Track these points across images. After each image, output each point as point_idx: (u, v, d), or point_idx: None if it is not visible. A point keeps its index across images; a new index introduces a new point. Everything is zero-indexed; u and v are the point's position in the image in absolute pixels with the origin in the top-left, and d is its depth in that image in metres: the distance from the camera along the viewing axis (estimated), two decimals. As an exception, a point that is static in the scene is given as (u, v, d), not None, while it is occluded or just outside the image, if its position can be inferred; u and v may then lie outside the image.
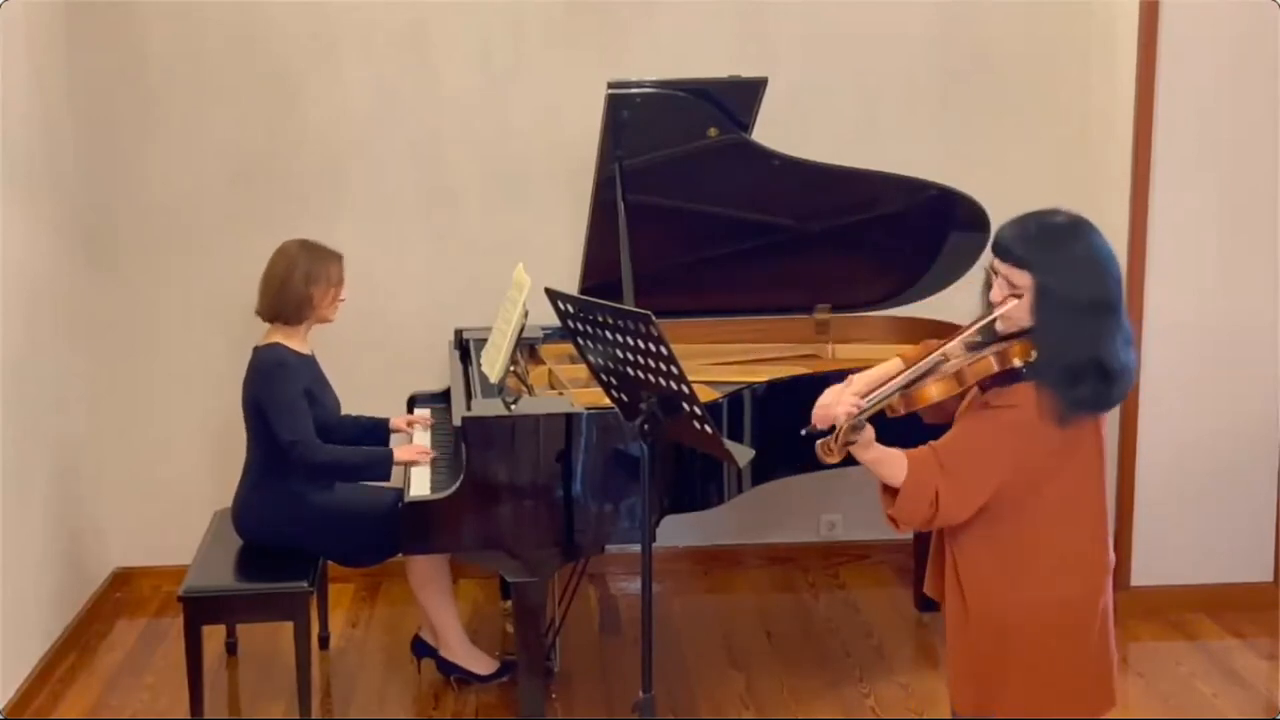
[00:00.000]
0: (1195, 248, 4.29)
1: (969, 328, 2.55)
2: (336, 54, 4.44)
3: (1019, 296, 2.45)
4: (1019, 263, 2.44)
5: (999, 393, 2.49)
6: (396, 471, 3.72)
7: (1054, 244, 2.44)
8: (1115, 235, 4.32)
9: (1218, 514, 4.41)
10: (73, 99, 4.37)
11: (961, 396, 2.58)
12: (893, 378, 2.56)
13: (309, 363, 3.81)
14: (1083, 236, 2.47)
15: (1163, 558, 4.41)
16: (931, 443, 2.53)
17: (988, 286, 2.55)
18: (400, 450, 3.73)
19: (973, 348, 2.53)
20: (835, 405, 2.47)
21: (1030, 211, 2.52)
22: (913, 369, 2.53)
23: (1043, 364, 2.44)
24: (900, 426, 2.59)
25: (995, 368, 2.47)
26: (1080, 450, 2.51)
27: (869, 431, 2.46)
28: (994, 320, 2.51)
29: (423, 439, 3.88)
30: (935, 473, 2.47)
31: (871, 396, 2.48)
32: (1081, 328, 2.42)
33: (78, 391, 4.43)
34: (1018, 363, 2.46)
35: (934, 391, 2.47)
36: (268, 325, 3.78)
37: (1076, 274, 2.43)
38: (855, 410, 2.44)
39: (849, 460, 2.53)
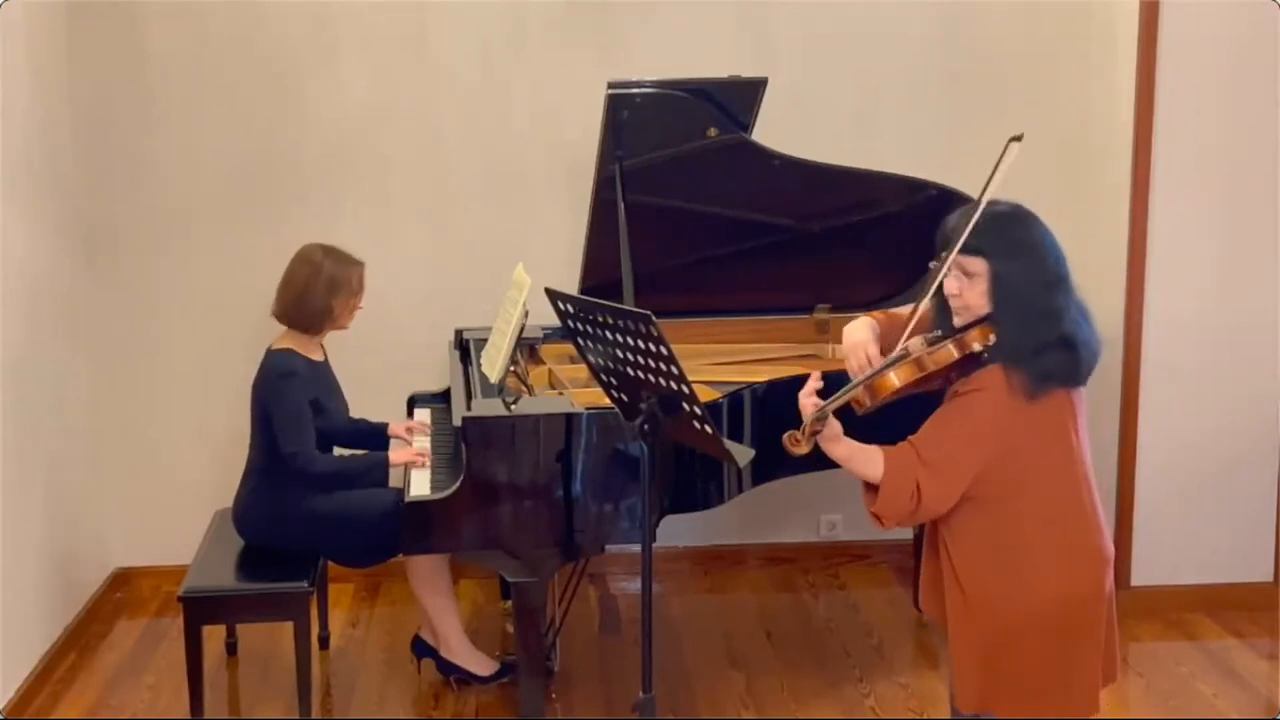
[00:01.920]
0: (1195, 248, 4.29)
1: (916, 314, 2.58)
2: (336, 54, 4.45)
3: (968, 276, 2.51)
4: (973, 251, 2.50)
5: (965, 380, 2.53)
6: (396, 471, 3.73)
7: (1003, 229, 2.51)
8: (1115, 235, 4.34)
9: (1218, 514, 4.41)
10: (73, 99, 4.37)
11: (937, 389, 2.60)
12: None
13: (320, 370, 3.81)
14: (1026, 221, 2.54)
15: (1163, 558, 4.41)
16: (909, 437, 2.56)
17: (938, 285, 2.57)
18: (395, 454, 3.73)
19: (933, 341, 2.56)
20: (801, 399, 2.54)
21: (972, 204, 2.59)
22: (876, 366, 2.57)
23: (1004, 345, 2.48)
24: (878, 421, 2.62)
25: (956, 354, 2.51)
26: (1058, 433, 2.54)
27: (835, 425, 2.52)
28: (949, 314, 2.56)
29: (421, 444, 3.87)
30: (914, 464, 2.51)
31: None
32: (1040, 306, 2.48)
33: (78, 391, 4.43)
34: (977, 347, 2.50)
35: (895, 379, 2.50)
36: (281, 327, 3.77)
37: (1028, 255, 2.50)
38: (818, 403, 2.50)
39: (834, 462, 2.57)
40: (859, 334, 2.69)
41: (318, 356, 3.81)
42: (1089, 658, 2.59)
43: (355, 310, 3.81)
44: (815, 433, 2.50)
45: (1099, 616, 2.60)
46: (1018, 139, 2.52)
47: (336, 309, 3.73)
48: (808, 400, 2.53)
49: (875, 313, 2.80)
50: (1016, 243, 2.50)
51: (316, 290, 3.69)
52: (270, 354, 3.74)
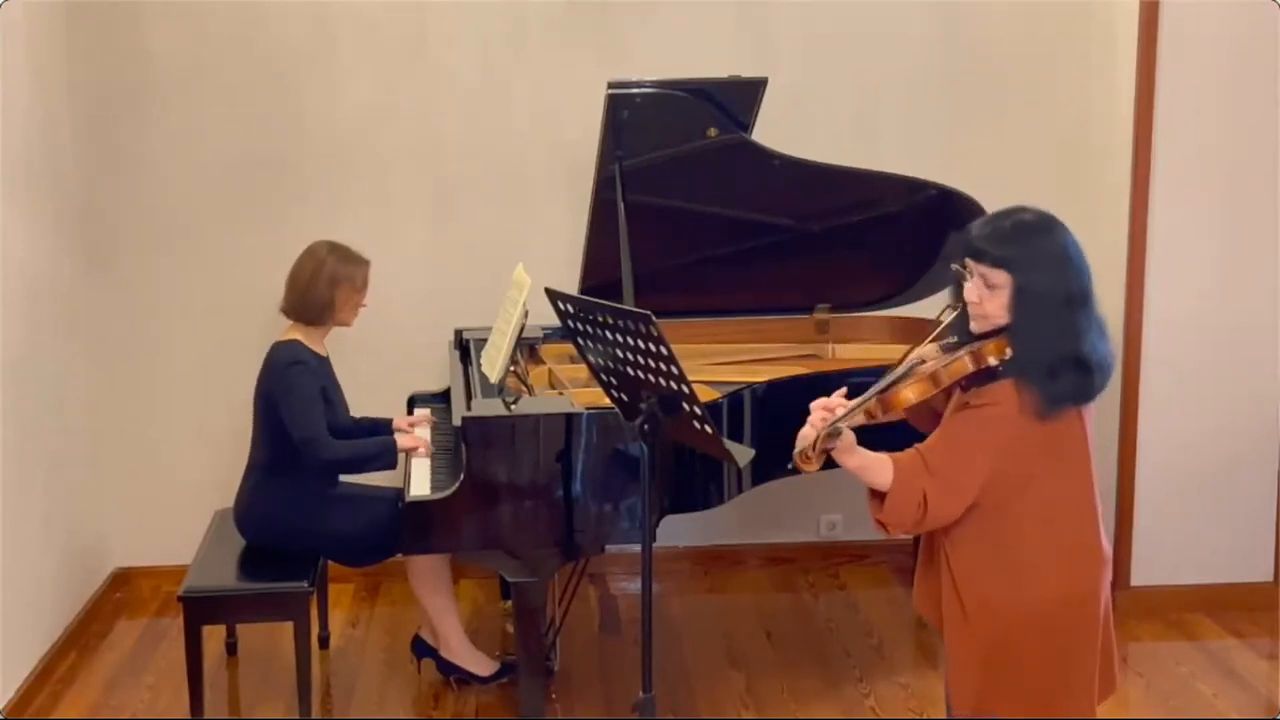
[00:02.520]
0: (1195, 248, 4.29)
1: (940, 327, 2.57)
2: (337, 55, 4.45)
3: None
4: (997, 262, 2.46)
5: (978, 392, 2.51)
6: (397, 470, 3.73)
7: (1029, 241, 2.47)
8: (1115, 235, 4.34)
9: (1218, 514, 4.41)
10: (73, 99, 4.37)
11: (945, 399, 2.59)
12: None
13: (324, 363, 3.82)
14: (1054, 232, 2.49)
15: (1163, 558, 4.41)
16: (917, 445, 2.55)
17: (958, 287, 2.56)
18: (402, 438, 3.75)
19: (948, 349, 2.55)
20: (812, 413, 2.50)
21: (1000, 210, 2.55)
22: (888, 375, 2.54)
23: (1020, 361, 2.46)
24: (889, 432, 2.61)
25: (971, 367, 2.48)
26: (1066, 445, 2.52)
27: (849, 436, 2.48)
28: (966, 318, 2.53)
29: (424, 436, 3.87)
30: (922, 474, 2.49)
31: (848, 405, 2.50)
32: (1059, 323, 2.45)
33: (78, 391, 4.43)
34: (993, 361, 2.47)
35: (910, 394, 2.47)
36: (288, 323, 3.79)
37: (1053, 270, 2.46)
38: (828, 419, 2.46)
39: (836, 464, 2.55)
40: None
41: (321, 351, 3.82)
42: (1086, 660, 2.59)
43: (358, 307, 3.83)
44: (827, 450, 2.46)
45: (1095, 618, 2.59)
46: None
47: (338, 303, 3.75)
48: (820, 413, 2.49)
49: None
50: (1042, 256, 2.45)
51: (319, 284, 3.72)
52: (276, 346, 3.75)
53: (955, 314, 2.56)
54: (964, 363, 2.48)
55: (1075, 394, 2.47)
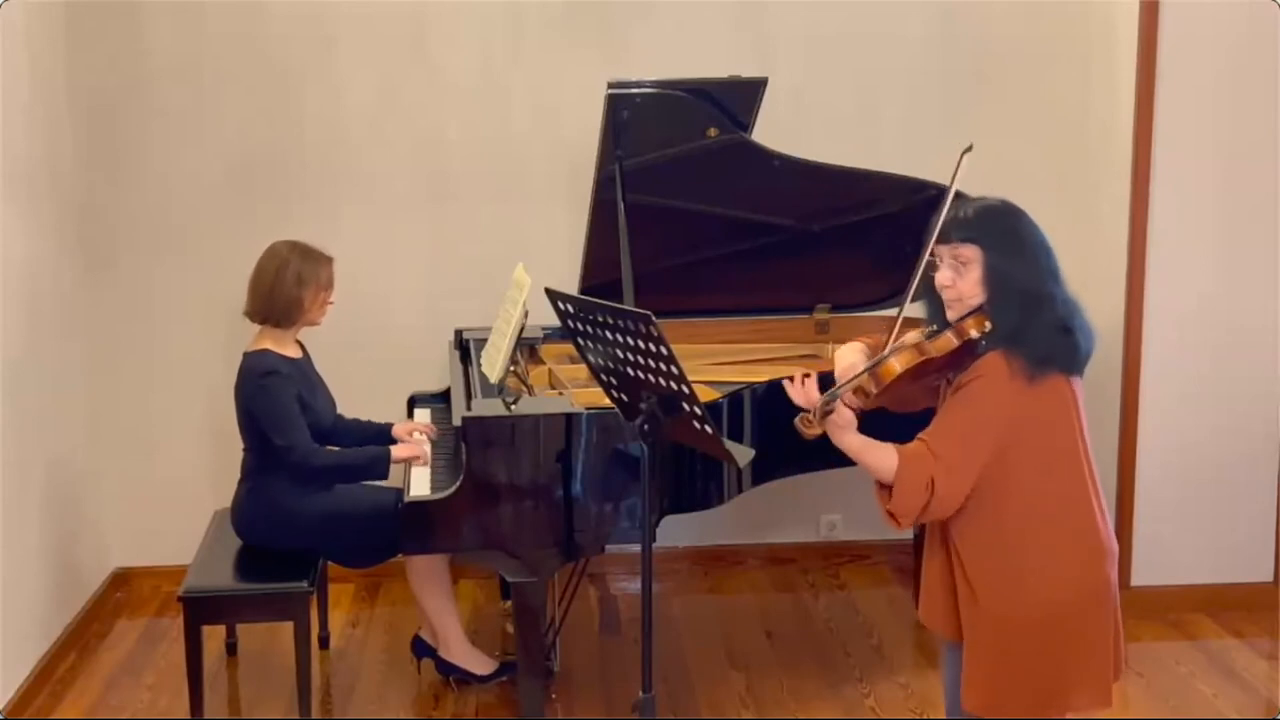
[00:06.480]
0: (1195, 247, 4.29)
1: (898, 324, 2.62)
2: (336, 54, 4.45)
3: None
4: (965, 239, 2.53)
5: (966, 372, 2.55)
6: (396, 471, 3.72)
7: (993, 220, 2.55)
8: (1115, 235, 4.35)
9: (1218, 514, 4.41)
10: (73, 99, 4.37)
11: (934, 386, 2.62)
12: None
13: (299, 366, 3.79)
14: (1016, 215, 2.58)
15: (1163, 558, 4.41)
16: (920, 434, 2.57)
17: (931, 282, 2.60)
18: (398, 448, 3.72)
19: (930, 335, 2.59)
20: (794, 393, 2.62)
21: (961, 200, 2.62)
22: (876, 357, 2.60)
23: (1001, 331, 2.50)
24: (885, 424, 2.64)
25: (955, 342, 2.52)
26: (1062, 422, 2.54)
27: (846, 414, 2.54)
28: (942, 309, 2.59)
29: (425, 450, 3.85)
30: (927, 459, 2.52)
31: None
32: (1034, 291, 2.50)
33: (77, 391, 4.43)
34: (975, 334, 2.52)
35: (897, 364, 2.52)
36: (258, 327, 3.77)
37: (1022, 245, 2.53)
38: (814, 401, 2.56)
39: (849, 460, 2.58)
40: (850, 357, 2.72)
41: (295, 354, 3.79)
42: (1098, 652, 2.61)
43: (326, 305, 3.79)
44: (828, 412, 2.53)
45: (1104, 613, 2.61)
46: (969, 150, 2.59)
47: (306, 302, 3.71)
48: (802, 393, 2.58)
49: (863, 337, 2.84)
50: (1009, 232, 2.53)
51: (285, 284, 3.67)
52: (247, 356, 3.73)
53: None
54: (948, 338, 2.53)
55: (1062, 356, 2.51)
